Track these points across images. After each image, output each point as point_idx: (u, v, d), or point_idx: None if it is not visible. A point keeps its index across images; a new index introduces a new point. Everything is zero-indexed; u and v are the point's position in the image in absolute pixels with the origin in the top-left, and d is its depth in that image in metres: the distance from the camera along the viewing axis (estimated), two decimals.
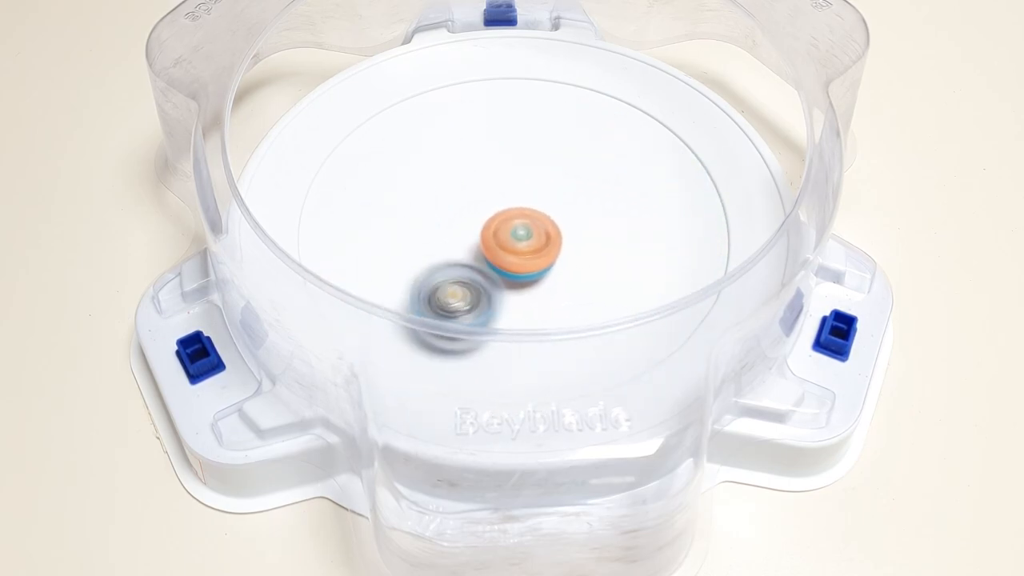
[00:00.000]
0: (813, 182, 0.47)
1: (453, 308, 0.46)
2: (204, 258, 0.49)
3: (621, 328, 0.42)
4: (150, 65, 0.50)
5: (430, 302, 0.46)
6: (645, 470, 0.43)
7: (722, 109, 0.53)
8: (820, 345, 0.48)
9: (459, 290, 0.46)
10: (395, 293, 0.47)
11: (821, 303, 0.49)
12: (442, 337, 0.45)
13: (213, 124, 0.48)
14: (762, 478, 0.47)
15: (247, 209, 0.45)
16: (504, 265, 0.47)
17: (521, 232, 0.47)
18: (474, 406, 0.43)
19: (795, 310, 0.47)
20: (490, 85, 0.55)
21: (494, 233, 0.47)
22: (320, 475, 0.46)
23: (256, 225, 0.44)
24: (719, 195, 0.51)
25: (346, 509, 0.46)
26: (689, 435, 0.42)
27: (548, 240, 0.47)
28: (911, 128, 0.58)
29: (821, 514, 0.47)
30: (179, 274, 0.49)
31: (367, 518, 0.45)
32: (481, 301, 0.46)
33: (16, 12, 0.63)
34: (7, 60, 0.61)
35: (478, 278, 0.47)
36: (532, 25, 0.57)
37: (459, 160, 0.52)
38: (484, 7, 0.57)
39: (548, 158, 0.52)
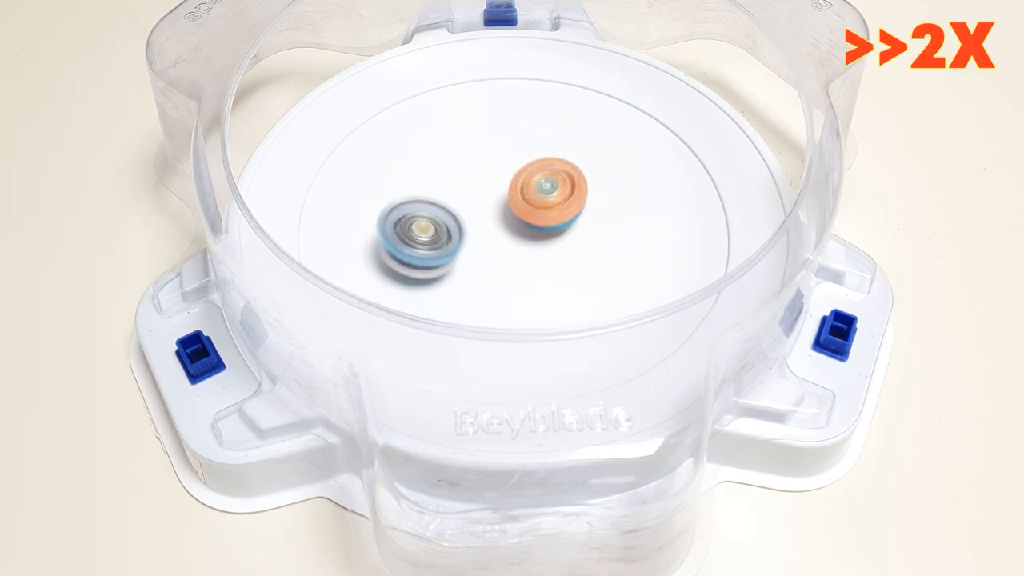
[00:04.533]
0: (813, 182, 0.47)
1: (418, 240, 0.47)
2: (204, 258, 0.49)
3: (621, 328, 0.42)
4: (150, 65, 0.50)
5: (396, 228, 0.47)
6: (645, 470, 0.43)
7: (722, 109, 0.53)
8: (820, 345, 0.48)
9: (427, 224, 0.47)
10: (395, 293, 0.47)
11: (821, 303, 0.49)
12: (405, 265, 0.47)
13: (213, 124, 0.48)
14: (762, 478, 0.47)
15: (247, 209, 0.45)
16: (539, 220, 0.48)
17: (547, 185, 0.48)
18: (474, 406, 0.43)
19: (795, 310, 0.47)
20: (490, 85, 0.55)
21: (522, 191, 0.48)
22: (320, 475, 0.46)
23: (256, 225, 0.44)
24: (719, 195, 0.51)
25: (346, 509, 0.46)
26: (689, 435, 0.42)
27: (574, 187, 0.48)
28: (911, 128, 0.58)
29: (821, 514, 0.47)
30: (179, 274, 0.49)
31: (367, 518, 0.45)
32: (444, 240, 0.47)
33: (15, 12, 0.63)
34: (6, 61, 0.61)
35: (445, 217, 0.48)
36: (532, 25, 0.57)
37: (459, 160, 0.52)
38: (484, 7, 0.57)
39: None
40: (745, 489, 0.47)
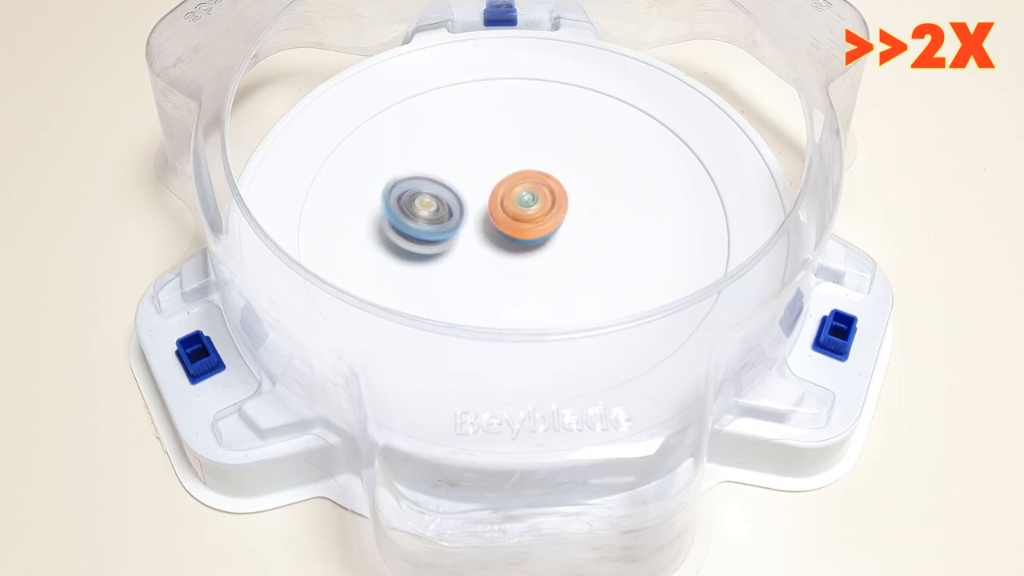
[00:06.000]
0: (813, 182, 0.47)
1: (420, 214, 0.48)
2: (204, 258, 0.49)
3: (621, 328, 0.42)
4: (150, 65, 0.50)
5: (400, 203, 0.48)
6: (645, 470, 0.43)
7: (722, 109, 0.53)
8: (820, 345, 0.48)
9: (430, 200, 0.48)
10: (395, 293, 0.47)
11: (821, 303, 0.49)
12: (405, 238, 0.48)
13: (213, 124, 0.49)
14: (762, 478, 0.47)
15: (247, 209, 0.45)
16: (516, 232, 0.48)
17: (527, 197, 0.48)
18: (474, 406, 0.43)
19: (795, 310, 0.47)
20: (490, 85, 0.55)
21: (502, 202, 0.48)
22: (320, 475, 0.46)
23: (256, 225, 0.44)
24: (719, 195, 0.51)
25: (346, 509, 0.46)
26: (689, 435, 0.42)
27: (555, 201, 0.48)
28: (911, 128, 0.58)
29: (821, 514, 0.47)
30: (179, 274, 0.49)
31: (367, 518, 0.45)
32: (447, 217, 0.48)
33: (16, 12, 0.63)
34: (7, 60, 0.61)
35: (448, 196, 0.48)
36: (532, 25, 0.57)
37: (459, 160, 0.52)
38: (484, 7, 0.57)
39: (548, 158, 0.52)
40: (745, 489, 0.47)
